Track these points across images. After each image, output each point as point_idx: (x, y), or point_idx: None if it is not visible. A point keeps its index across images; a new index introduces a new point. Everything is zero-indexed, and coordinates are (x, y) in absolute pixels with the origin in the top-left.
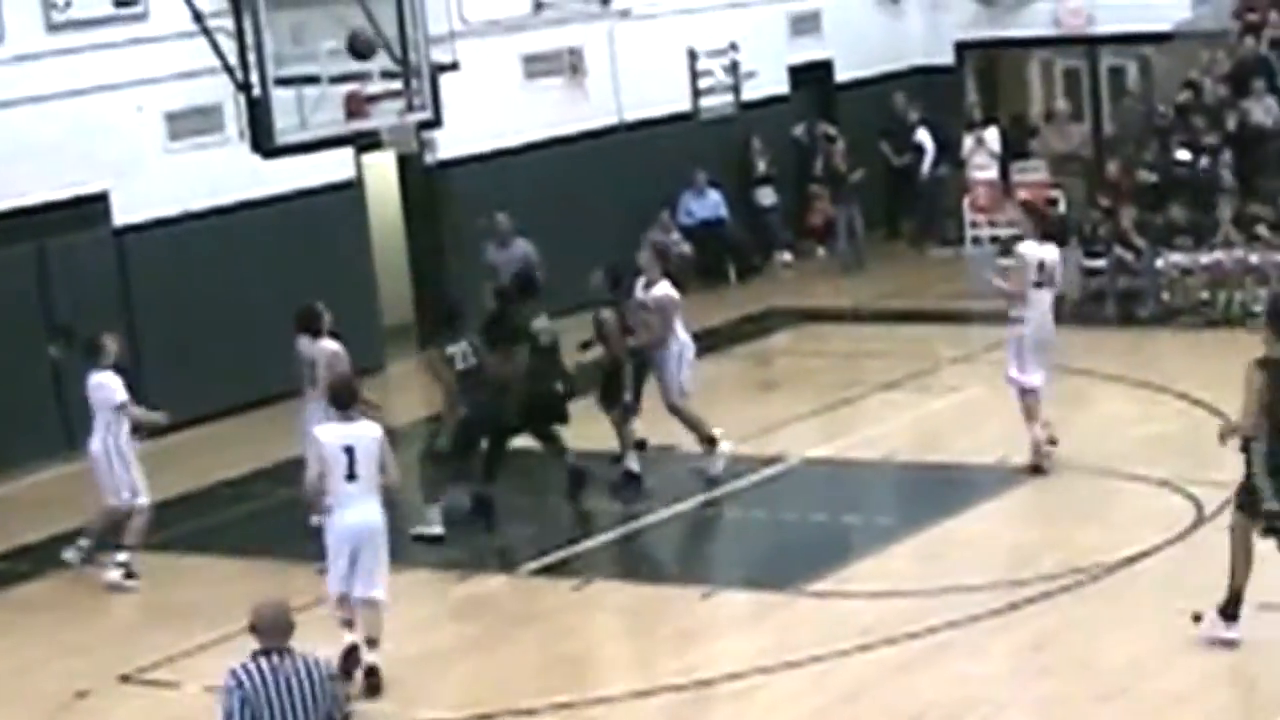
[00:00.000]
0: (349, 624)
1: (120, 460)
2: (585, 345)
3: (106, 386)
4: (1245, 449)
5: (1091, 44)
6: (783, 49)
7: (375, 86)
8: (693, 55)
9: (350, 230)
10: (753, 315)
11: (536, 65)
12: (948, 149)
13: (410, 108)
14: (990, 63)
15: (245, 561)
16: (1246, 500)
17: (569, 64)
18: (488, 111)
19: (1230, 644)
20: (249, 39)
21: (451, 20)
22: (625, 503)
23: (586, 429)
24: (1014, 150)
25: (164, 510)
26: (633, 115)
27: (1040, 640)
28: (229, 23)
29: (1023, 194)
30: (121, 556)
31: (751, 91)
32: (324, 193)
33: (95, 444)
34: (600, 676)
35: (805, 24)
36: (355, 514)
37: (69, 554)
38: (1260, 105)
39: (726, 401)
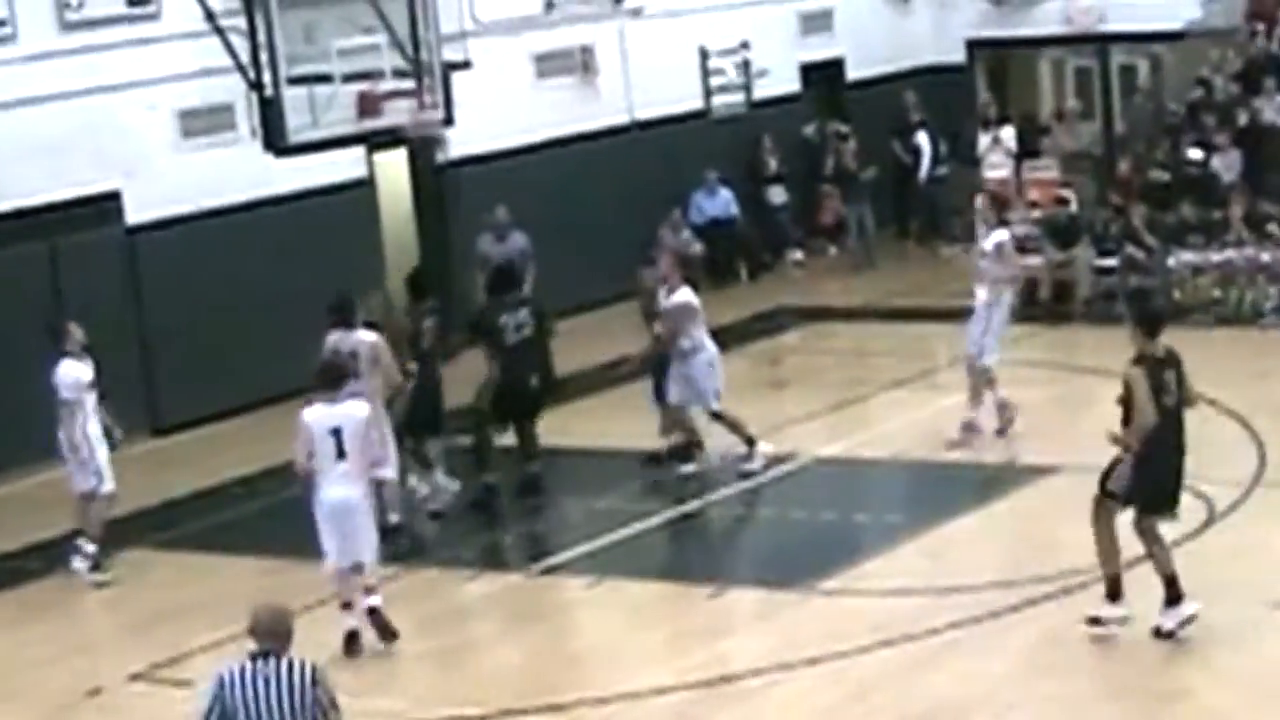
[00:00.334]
0: (348, 606)
1: (87, 445)
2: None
3: (71, 372)
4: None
5: (1102, 42)
6: (794, 48)
7: (387, 85)
8: (704, 54)
9: (362, 229)
10: (763, 313)
11: (548, 64)
12: (956, 149)
13: (422, 107)
14: (1001, 61)
15: (257, 559)
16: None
17: (580, 63)
18: (499, 110)
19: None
20: (261, 38)
21: (463, 19)
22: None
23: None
24: (1024, 149)
25: (175, 508)
26: (644, 114)
27: (1050, 639)
28: (241, 22)
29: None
30: (90, 548)
31: (762, 90)
32: (336, 192)
33: (61, 432)
34: (612, 674)
35: (816, 22)
36: (337, 491)
37: (76, 563)
38: (1271, 104)
39: (737, 399)
